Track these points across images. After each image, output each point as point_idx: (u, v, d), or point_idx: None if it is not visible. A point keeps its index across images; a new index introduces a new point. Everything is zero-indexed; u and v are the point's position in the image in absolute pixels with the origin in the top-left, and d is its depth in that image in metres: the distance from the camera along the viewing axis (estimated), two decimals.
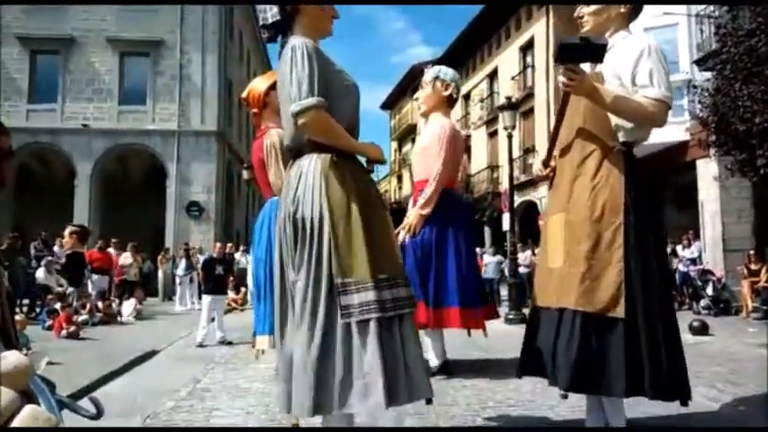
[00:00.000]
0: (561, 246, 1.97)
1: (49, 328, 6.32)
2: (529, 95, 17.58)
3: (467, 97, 21.74)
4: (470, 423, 2.44)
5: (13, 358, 1.18)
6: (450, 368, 3.53)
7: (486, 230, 18.95)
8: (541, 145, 16.93)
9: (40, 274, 8.17)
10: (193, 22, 17.58)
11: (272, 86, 3.11)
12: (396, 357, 1.66)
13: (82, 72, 17.22)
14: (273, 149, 2.81)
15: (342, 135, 1.78)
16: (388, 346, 1.66)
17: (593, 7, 2.06)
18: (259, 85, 3.06)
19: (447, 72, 3.77)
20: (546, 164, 2.22)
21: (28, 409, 1.11)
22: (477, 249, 6.59)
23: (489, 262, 10.85)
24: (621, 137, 1.98)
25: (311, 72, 1.72)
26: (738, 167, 7.91)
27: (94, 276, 8.86)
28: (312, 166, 1.77)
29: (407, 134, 30.92)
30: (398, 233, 3.56)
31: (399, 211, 21.46)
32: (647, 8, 2.31)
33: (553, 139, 2.13)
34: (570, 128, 2.06)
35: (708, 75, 8.54)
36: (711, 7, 9.38)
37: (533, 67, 17.77)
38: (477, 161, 20.39)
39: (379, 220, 1.81)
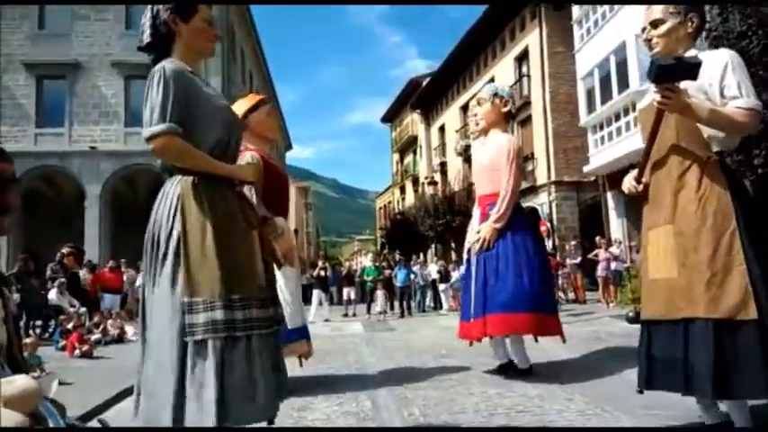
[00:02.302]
0: (673, 257, 2.00)
1: (62, 348, 6.32)
2: (525, 104, 17.68)
3: (465, 108, 21.92)
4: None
5: (21, 382, 1.17)
6: (534, 371, 3.51)
7: None
8: (540, 152, 17.03)
9: (53, 295, 8.28)
10: None
11: (251, 109, 3.28)
12: (239, 377, 1.68)
13: (88, 96, 17.53)
14: None
15: (198, 158, 1.78)
16: (230, 365, 1.67)
17: (662, 29, 2.10)
18: (237, 107, 3.13)
19: (504, 89, 3.96)
20: (638, 180, 2.22)
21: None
22: None
23: None
24: (715, 146, 2.02)
25: (165, 98, 1.75)
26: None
27: (106, 296, 8.97)
28: (172, 188, 1.81)
29: (408, 146, 31.10)
30: (470, 247, 3.66)
31: (404, 221, 21.36)
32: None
33: (646, 155, 2.15)
34: (662, 143, 2.08)
35: None
36: None
37: (529, 76, 17.94)
38: None
39: (241, 241, 1.82)
